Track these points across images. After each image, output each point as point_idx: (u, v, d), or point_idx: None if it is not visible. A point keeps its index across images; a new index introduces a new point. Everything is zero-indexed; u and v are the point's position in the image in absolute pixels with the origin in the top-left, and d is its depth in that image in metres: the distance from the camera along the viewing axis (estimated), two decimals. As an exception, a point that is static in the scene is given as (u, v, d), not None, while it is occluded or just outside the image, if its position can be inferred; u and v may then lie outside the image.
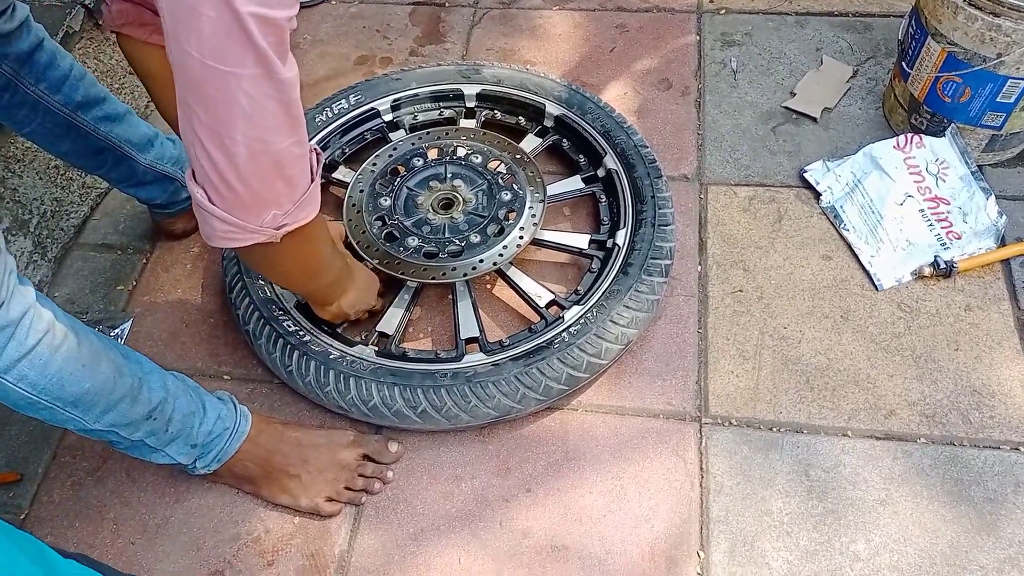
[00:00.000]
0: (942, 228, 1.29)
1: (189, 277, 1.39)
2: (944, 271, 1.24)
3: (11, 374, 0.85)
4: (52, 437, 1.23)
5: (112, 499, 1.17)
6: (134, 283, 1.40)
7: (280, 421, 1.18)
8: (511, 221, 1.27)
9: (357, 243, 1.26)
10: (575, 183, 1.37)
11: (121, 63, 1.52)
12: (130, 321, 1.34)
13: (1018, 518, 1.04)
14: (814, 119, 1.47)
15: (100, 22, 1.45)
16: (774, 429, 1.15)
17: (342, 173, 1.42)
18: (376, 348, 1.20)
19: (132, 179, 1.29)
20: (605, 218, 1.32)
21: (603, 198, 1.34)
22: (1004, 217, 1.27)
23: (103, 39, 1.47)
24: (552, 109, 1.41)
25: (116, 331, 1.32)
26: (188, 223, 1.42)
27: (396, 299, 1.27)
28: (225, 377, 1.28)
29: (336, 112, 1.44)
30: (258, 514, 1.14)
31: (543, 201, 1.29)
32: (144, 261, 1.43)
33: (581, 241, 1.30)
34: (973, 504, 1.06)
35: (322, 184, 1.42)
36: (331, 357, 1.17)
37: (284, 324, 1.20)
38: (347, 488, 1.12)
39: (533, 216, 1.27)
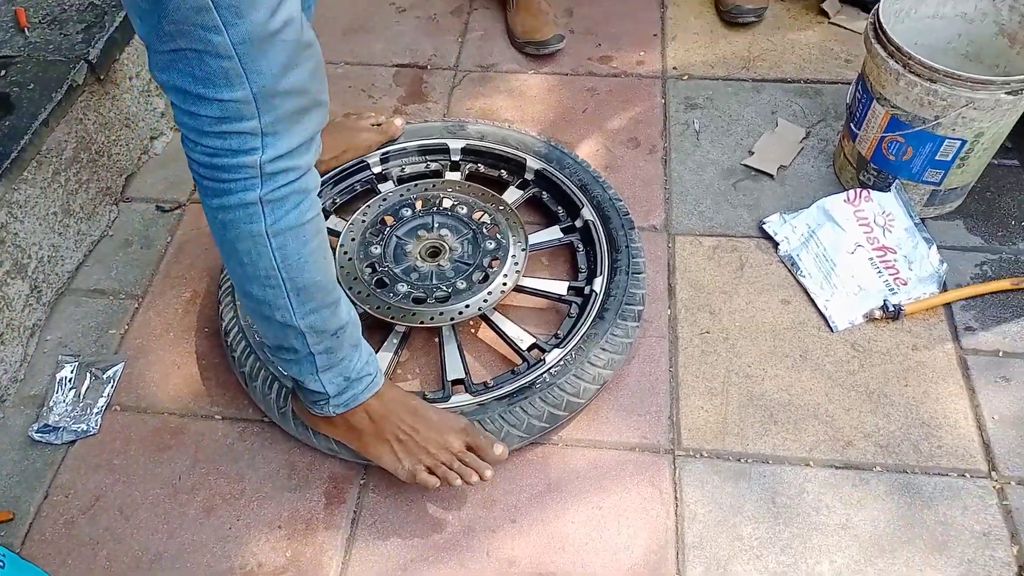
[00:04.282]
0: (890, 275, 1.40)
1: (181, 321, 1.44)
2: (893, 314, 1.35)
3: (277, 239, 0.90)
4: (44, 477, 1.26)
5: (105, 536, 1.20)
6: (126, 327, 1.44)
7: (401, 389, 1.19)
8: (495, 268, 1.35)
9: (349, 288, 1.33)
10: (554, 233, 1.46)
11: (119, 117, 1.59)
12: (122, 364, 1.38)
13: (966, 539, 1.13)
14: (771, 176, 1.60)
15: (101, 76, 1.52)
16: (742, 460, 1.23)
17: (333, 223, 1.49)
18: (367, 388, 1.26)
19: None
20: (582, 266, 1.41)
21: (580, 247, 1.43)
22: (945, 265, 1.39)
23: (103, 93, 1.53)
24: (532, 164, 1.51)
25: (108, 373, 1.36)
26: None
27: (385, 343, 1.33)
28: (216, 416, 1.32)
29: (326, 165, 1.52)
30: (251, 548, 1.18)
31: (525, 250, 1.37)
32: (136, 306, 1.47)
33: (560, 288, 1.38)
34: (926, 527, 1.14)
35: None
36: (324, 395, 1.22)
37: (279, 368, 1.25)
38: (445, 466, 1.13)
39: (516, 264, 1.35)
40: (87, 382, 1.35)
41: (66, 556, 1.18)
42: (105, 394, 1.34)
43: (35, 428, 1.30)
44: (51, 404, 1.32)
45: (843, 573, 1.11)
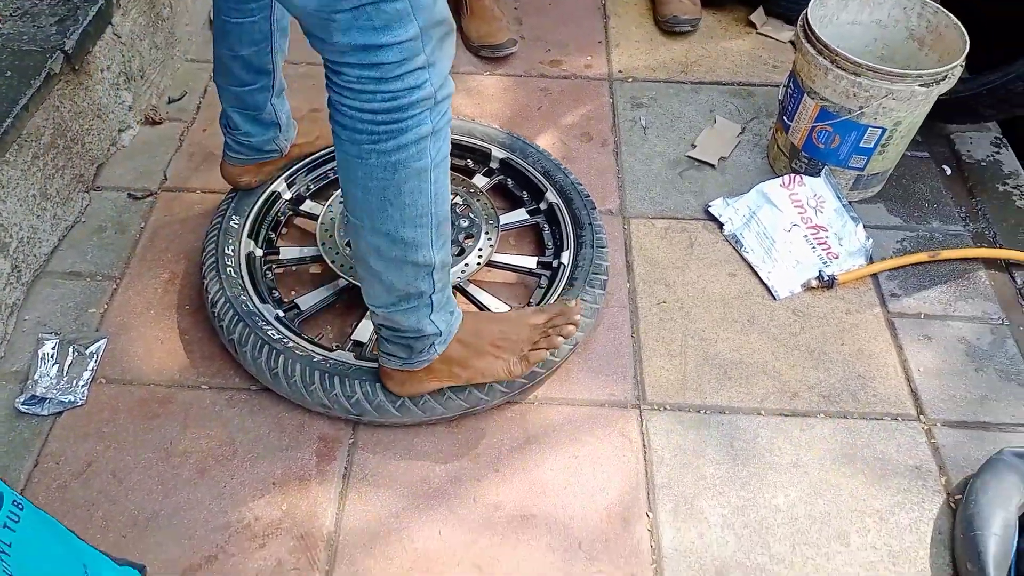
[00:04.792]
0: (823, 250, 1.56)
1: (161, 299, 1.48)
2: (827, 283, 1.50)
3: (435, 172, 0.96)
4: (33, 446, 1.28)
5: (99, 498, 1.23)
6: (106, 306, 1.47)
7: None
8: (470, 244, 1.44)
9: (332, 262, 1.40)
10: (521, 215, 1.57)
11: (92, 107, 1.63)
12: (105, 340, 1.41)
13: (901, 472, 1.27)
14: (712, 166, 1.75)
15: (76, 67, 1.55)
16: (701, 411, 1.35)
17: (309, 206, 1.56)
18: (354, 353, 1.33)
19: (255, 109, 1.40)
20: (549, 243, 1.52)
21: (546, 227, 1.55)
22: (871, 240, 1.56)
23: (78, 83, 1.57)
24: (497, 153, 1.62)
25: (91, 348, 1.39)
26: (253, 177, 1.52)
27: (367, 314, 1.41)
28: (203, 386, 1.36)
29: (301, 152, 1.59)
30: (247, 503, 1.23)
31: (497, 227, 1.47)
32: (114, 287, 1.50)
33: (530, 263, 1.49)
34: (866, 463, 1.29)
35: (289, 216, 1.58)
36: (314, 359, 1.28)
37: (268, 332, 1.32)
38: (543, 339, 1.23)
39: (489, 239, 1.45)
40: (70, 357, 1.38)
41: (61, 518, 1.19)
42: (89, 368, 1.37)
43: (21, 400, 1.32)
44: (36, 378, 1.34)
45: (796, 504, 1.24)
